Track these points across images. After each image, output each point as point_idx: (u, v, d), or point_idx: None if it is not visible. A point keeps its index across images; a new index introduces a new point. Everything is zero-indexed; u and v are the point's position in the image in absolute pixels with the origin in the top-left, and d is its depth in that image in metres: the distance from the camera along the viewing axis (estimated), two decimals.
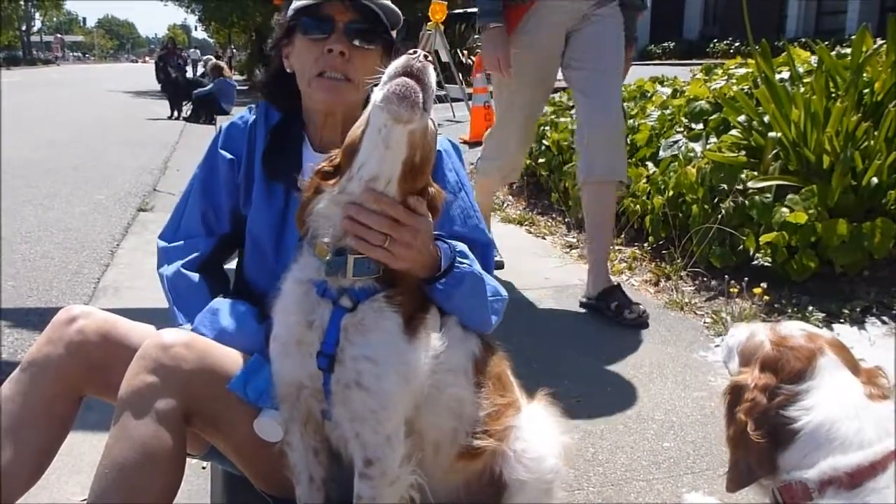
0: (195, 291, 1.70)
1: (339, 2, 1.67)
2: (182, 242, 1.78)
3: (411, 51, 1.31)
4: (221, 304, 1.64)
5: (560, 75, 3.50)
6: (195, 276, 1.72)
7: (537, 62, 3.42)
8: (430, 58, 1.30)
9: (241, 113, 1.87)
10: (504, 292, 1.67)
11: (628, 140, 4.75)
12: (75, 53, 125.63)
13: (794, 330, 1.33)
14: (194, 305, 1.66)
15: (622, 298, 3.33)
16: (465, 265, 1.50)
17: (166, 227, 1.85)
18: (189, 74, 15.73)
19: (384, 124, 1.28)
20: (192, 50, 18.55)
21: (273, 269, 1.53)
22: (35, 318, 3.37)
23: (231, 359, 1.52)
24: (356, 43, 1.67)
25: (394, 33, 1.76)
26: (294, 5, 1.72)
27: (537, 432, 1.55)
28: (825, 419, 1.18)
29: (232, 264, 1.88)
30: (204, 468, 2.08)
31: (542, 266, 4.21)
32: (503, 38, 3.31)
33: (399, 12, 1.76)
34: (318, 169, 1.39)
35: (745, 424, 1.25)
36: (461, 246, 1.53)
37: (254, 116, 1.83)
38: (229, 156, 1.79)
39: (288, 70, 1.78)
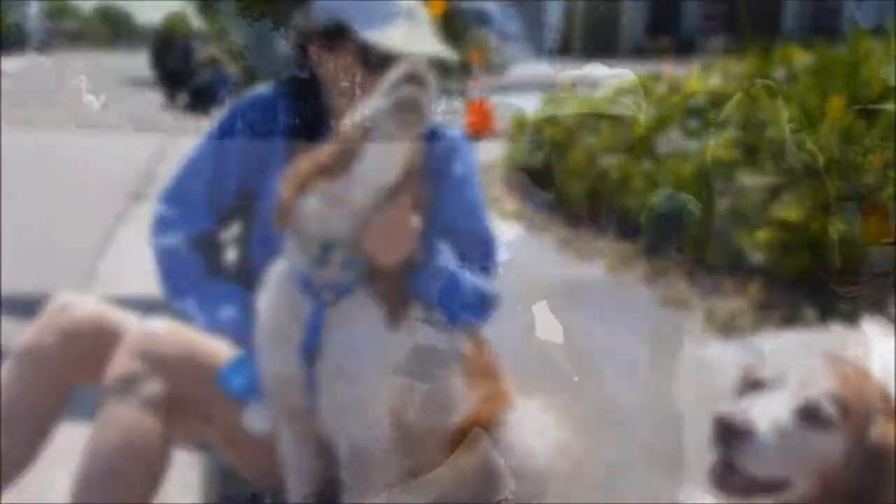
0: (190, 269, 1.66)
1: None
2: (182, 212, 1.71)
3: (410, 57, 1.31)
4: (215, 287, 1.63)
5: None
6: (191, 253, 1.67)
7: None
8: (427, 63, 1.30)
9: (264, 86, 1.79)
10: (492, 292, 1.64)
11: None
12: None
13: None
14: (187, 284, 1.64)
15: None
16: (443, 263, 1.48)
17: (167, 190, 1.75)
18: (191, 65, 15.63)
19: (389, 136, 1.28)
20: (192, 41, 18.34)
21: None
22: (27, 307, 3.35)
23: (217, 348, 1.51)
24: None
25: None
26: (360, 32, 1.56)
27: (529, 426, 1.55)
28: None
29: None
30: (195, 460, 2.07)
31: (538, 262, 4.20)
32: None
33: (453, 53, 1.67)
34: (303, 166, 1.37)
35: None
36: (443, 245, 1.51)
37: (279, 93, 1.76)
38: (248, 127, 1.73)
39: (320, 76, 1.65)
